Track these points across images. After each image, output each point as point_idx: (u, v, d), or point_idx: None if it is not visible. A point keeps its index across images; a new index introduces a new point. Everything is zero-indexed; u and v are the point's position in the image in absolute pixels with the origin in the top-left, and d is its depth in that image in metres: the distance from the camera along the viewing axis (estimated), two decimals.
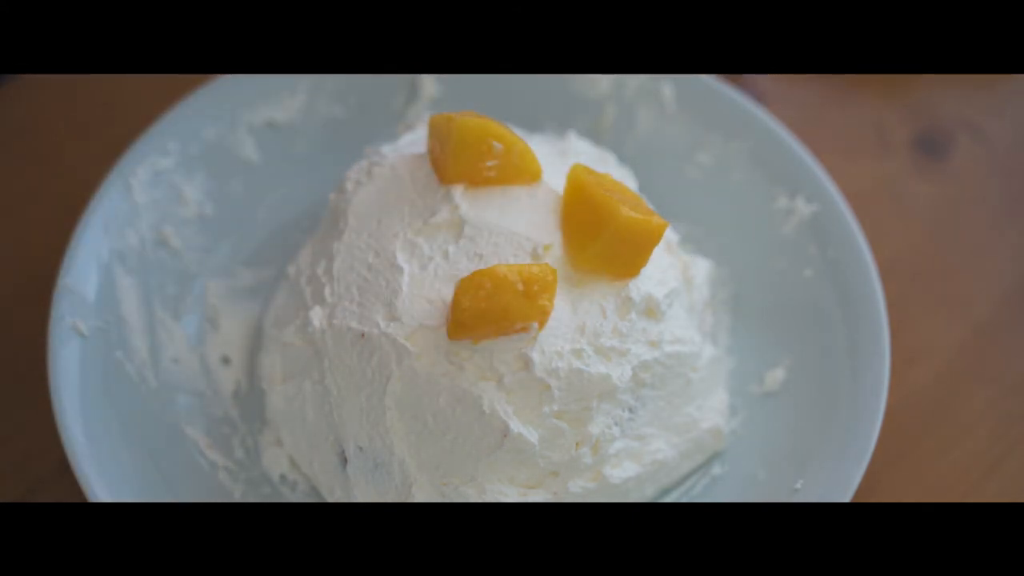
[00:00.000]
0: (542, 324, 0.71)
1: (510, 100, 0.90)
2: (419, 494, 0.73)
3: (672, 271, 0.79)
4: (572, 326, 0.73)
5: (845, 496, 0.74)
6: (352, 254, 0.76)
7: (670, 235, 0.82)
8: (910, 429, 0.87)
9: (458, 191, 0.76)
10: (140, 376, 0.80)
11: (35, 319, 0.83)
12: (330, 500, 0.78)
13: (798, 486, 0.77)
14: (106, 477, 0.73)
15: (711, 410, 0.81)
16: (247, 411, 0.83)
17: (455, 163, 0.76)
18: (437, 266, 0.74)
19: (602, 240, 0.74)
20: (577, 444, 0.74)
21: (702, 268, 0.85)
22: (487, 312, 0.70)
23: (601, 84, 0.94)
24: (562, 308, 0.73)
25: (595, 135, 0.92)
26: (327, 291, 0.76)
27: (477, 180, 0.77)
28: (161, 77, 0.92)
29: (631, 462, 0.77)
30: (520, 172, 0.77)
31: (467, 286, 0.71)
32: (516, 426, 0.71)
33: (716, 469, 0.82)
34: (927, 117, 1.05)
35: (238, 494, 0.79)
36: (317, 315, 0.76)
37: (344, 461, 0.76)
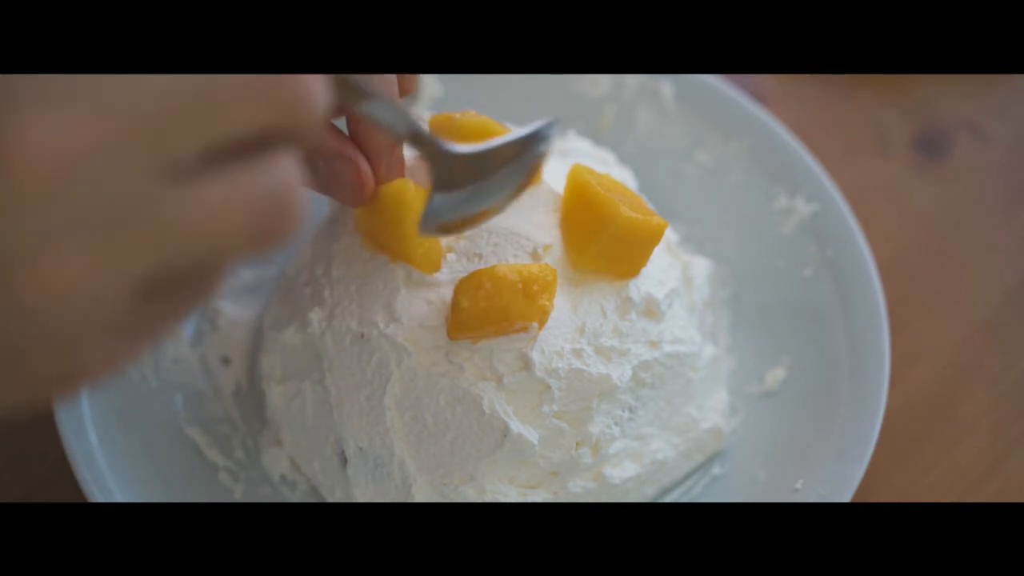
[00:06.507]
0: (542, 324, 0.71)
1: (510, 100, 0.90)
2: (419, 494, 0.73)
3: (672, 271, 0.79)
4: (572, 326, 0.73)
5: (845, 496, 0.74)
6: (351, 255, 0.76)
7: (670, 235, 0.82)
8: (910, 429, 0.87)
9: None
10: (140, 376, 0.80)
11: None
12: (330, 500, 0.78)
13: (798, 486, 0.77)
14: (106, 477, 0.73)
15: (711, 410, 0.81)
16: (247, 411, 0.83)
17: None
18: None
19: (602, 240, 0.74)
20: (577, 444, 0.74)
21: (702, 268, 0.85)
22: (487, 312, 0.70)
23: (601, 84, 0.94)
24: (562, 308, 0.73)
25: (595, 135, 0.92)
26: (326, 292, 0.76)
27: None
28: None
29: (631, 462, 0.77)
30: None
31: (467, 286, 0.70)
32: (516, 426, 0.71)
33: (716, 469, 0.82)
34: (927, 117, 1.04)
35: (238, 494, 0.79)
36: (316, 316, 0.76)
37: (344, 461, 0.76)
